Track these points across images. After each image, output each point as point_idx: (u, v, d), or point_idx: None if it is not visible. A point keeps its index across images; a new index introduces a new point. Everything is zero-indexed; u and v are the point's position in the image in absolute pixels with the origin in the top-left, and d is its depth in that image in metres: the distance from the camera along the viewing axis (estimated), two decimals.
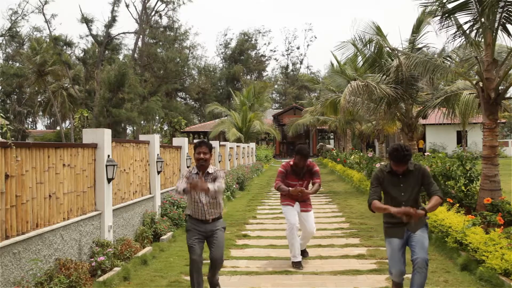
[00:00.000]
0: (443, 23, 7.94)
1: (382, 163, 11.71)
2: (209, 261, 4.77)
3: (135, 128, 45.63)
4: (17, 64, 47.80)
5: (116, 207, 6.79)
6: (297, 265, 6.01)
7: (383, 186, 4.35)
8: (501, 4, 7.15)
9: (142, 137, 8.69)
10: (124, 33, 56.58)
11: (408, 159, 4.16)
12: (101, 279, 5.26)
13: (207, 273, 4.84)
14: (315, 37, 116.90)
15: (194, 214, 4.72)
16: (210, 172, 4.72)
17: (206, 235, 4.69)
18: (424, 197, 6.82)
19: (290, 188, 6.08)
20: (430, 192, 4.26)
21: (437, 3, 7.77)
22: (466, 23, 7.79)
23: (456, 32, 8.02)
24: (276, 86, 69.21)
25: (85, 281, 4.97)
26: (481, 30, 7.60)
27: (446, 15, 7.82)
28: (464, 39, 8.11)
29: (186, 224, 4.85)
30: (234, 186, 14.79)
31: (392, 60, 11.90)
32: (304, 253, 6.49)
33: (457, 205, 7.50)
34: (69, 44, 44.74)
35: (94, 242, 6.02)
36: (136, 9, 58.27)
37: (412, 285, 4.11)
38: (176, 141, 11.28)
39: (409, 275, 4.22)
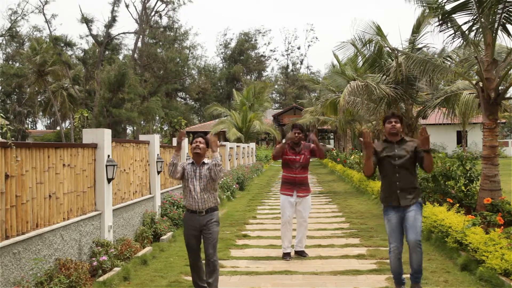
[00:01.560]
0: (441, 24, 7.93)
1: None
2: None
3: (135, 128, 45.62)
4: (17, 64, 47.82)
5: (116, 207, 6.79)
6: (285, 256, 6.41)
7: (379, 154, 4.77)
8: (501, 4, 7.14)
9: (142, 137, 8.70)
10: (124, 33, 56.67)
11: (397, 115, 4.79)
12: (101, 279, 5.26)
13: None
14: (317, 39, 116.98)
15: (188, 205, 4.83)
16: (206, 162, 4.86)
17: (200, 229, 4.77)
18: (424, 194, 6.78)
19: (286, 137, 6.51)
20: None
21: (435, 5, 7.77)
22: (465, 23, 7.79)
23: (455, 32, 8.02)
24: (276, 86, 69.21)
25: (85, 281, 4.97)
26: (480, 30, 7.60)
27: (445, 16, 7.82)
28: (463, 40, 8.10)
29: (183, 217, 5.00)
30: (234, 186, 14.79)
31: (392, 60, 11.89)
32: (303, 253, 6.55)
33: (457, 205, 7.49)
34: (69, 44, 44.77)
35: (94, 242, 6.03)
36: (136, 9, 58.38)
37: (411, 265, 4.59)
38: (176, 141, 11.29)
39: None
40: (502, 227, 6.27)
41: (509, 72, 7.97)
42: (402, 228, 4.69)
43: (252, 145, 28.23)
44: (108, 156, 6.39)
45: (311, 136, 6.67)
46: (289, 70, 72.42)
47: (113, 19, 43.83)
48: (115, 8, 45.57)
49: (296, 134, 6.47)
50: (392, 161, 4.68)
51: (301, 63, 78.86)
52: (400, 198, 4.64)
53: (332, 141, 46.94)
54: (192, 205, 4.77)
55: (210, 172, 4.76)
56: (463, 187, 8.38)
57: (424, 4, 8.12)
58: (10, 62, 50.30)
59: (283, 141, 6.56)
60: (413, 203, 4.64)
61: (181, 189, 10.61)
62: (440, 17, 7.91)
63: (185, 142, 11.09)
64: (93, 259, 5.64)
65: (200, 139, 4.87)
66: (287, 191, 6.46)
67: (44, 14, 50.13)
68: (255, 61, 66.51)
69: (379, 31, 11.85)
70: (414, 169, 4.79)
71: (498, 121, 7.86)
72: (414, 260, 4.57)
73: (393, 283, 4.89)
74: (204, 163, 4.84)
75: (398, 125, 4.72)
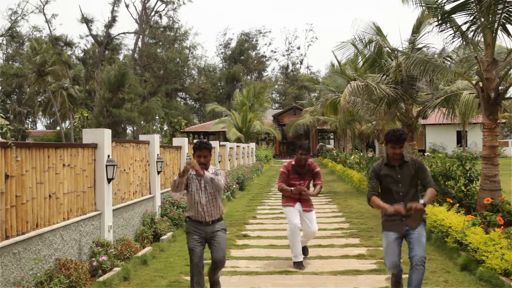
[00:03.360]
0: (441, 24, 7.93)
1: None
2: (210, 261, 4.76)
3: (135, 128, 45.64)
4: (17, 64, 47.82)
5: (116, 207, 6.79)
6: (298, 265, 6.02)
7: (381, 179, 4.45)
8: (501, 5, 7.14)
9: (142, 137, 8.69)
10: (124, 33, 56.71)
11: (404, 138, 4.33)
12: (101, 279, 5.26)
13: (207, 272, 4.85)
14: (316, 38, 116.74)
15: (194, 216, 4.69)
16: (211, 172, 4.69)
17: (206, 237, 4.65)
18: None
19: (292, 188, 6.11)
20: (425, 184, 4.40)
21: (435, 5, 7.77)
22: (465, 23, 7.79)
23: (455, 32, 8.01)
24: (276, 86, 69.19)
25: (85, 281, 4.97)
26: (480, 30, 7.60)
27: (445, 16, 7.82)
28: (463, 40, 8.10)
29: (186, 226, 4.81)
30: (234, 186, 14.79)
31: (392, 60, 11.89)
32: (304, 251, 6.48)
33: (457, 205, 7.49)
34: (69, 44, 44.78)
35: (94, 242, 6.03)
36: (136, 9, 58.36)
37: (410, 282, 4.16)
38: (176, 141, 11.29)
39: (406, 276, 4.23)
40: (502, 227, 6.27)
41: (509, 72, 7.97)
42: (400, 245, 4.40)
43: (252, 145, 28.23)
44: (108, 156, 6.39)
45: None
46: (289, 70, 72.36)
47: (113, 19, 43.85)
48: (115, 8, 45.70)
49: (303, 156, 6.12)
50: (396, 188, 4.38)
51: (301, 63, 78.86)
52: (405, 224, 4.33)
53: (332, 141, 46.94)
54: (198, 217, 4.66)
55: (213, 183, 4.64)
56: (463, 187, 8.38)
57: (423, 4, 8.11)
58: (10, 62, 50.32)
59: (291, 189, 6.14)
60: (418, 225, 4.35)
61: None
62: (439, 17, 7.92)
63: (185, 142, 11.09)
64: (93, 259, 5.64)
65: (204, 152, 4.64)
66: (290, 202, 6.20)
67: (44, 14, 50.03)
68: (255, 61, 66.47)
69: (379, 31, 11.85)
70: (417, 190, 4.52)
71: (498, 121, 7.85)
72: (414, 279, 4.13)
73: None
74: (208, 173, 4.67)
75: (402, 149, 4.37)
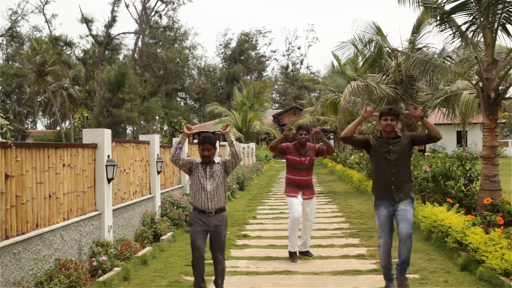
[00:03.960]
0: (441, 24, 7.93)
1: None
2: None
3: (135, 128, 45.63)
4: (17, 64, 47.83)
5: (116, 207, 6.79)
6: (292, 255, 6.31)
7: (373, 151, 4.80)
8: (501, 5, 7.14)
9: (142, 137, 8.70)
10: (124, 33, 56.62)
11: (395, 110, 4.74)
12: (101, 279, 5.26)
13: (208, 272, 4.87)
14: (317, 39, 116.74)
15: (197, 204, 4.70)
16: (216, 161, 4.80)
17: (209, 229, 4.68)
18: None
19: (284, 132, 6.62)
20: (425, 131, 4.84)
21: (435, 5, 7.77)
22: (465, 23, 7.78)
23: (454, 33, 8.01)
24: (276, 86, 69.22)
25: (85, 281, 4.97)
26: (479, 30, 7.60)
27: (445, 16, 7.82)
28: (462, 41, 8.10)
29: (190, 216, 4.88)
30: (234, 186, 14.79)
31: (392, 60, 11.89)
32: (308, 253, 6.56)
33: (457, 205, 7.49)
34: (69, 44, 44.78)
35: (94, 242, 6.03)
36: (136, 9, 58.35)
37: (399, 255, 4.60)
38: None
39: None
40: (502, 227, 6.27)
41: (509, 72, 7.97)
42: (392, 224, 4.73)
43: (252, 145, 28.23)
44: (108, 156, 6.40)
45: (319, 134, 6.47)
46: (289, 70, 72.40)
47: (113, 19, 43.82)
48: (115, 8, 45.66)
49: (304, 136, 6.39)
50: (388, 156, 4.68)
51: (301, 63, 78.66)
52: (394, 193, 4.66)
53: (332, 141, 46.93)
54: (201, 205, 4.66)
55: (225, 165, 4.78)
56: (463, 187, 8.38)
57: (422, 4, 8.10)
58: (10, 62, 50.32)
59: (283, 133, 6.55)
60: (405, 198, 4.68)
61: (181, 189, 10.61)
62: (439, 17, 7.91)
63: (185, 142, 11.08)
64: (93, 259, 5.64)
65: (207, 145, 4.73)
66: (293, 192, 6.36)
67: (44, 14, 50.09)
68: (255, 61, 66.53)
69: (379, 31, 11.86)
70: (409, 164, 4.82)
71: (498, 121, 7.86)
72: (402, 251, 4.56)
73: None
74: (215, 162, 4.76)
75: (394, 123, 4.68)
